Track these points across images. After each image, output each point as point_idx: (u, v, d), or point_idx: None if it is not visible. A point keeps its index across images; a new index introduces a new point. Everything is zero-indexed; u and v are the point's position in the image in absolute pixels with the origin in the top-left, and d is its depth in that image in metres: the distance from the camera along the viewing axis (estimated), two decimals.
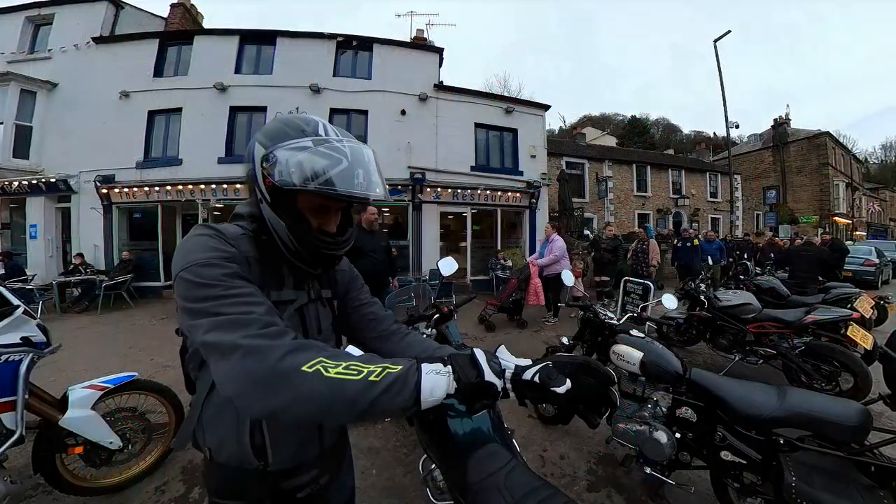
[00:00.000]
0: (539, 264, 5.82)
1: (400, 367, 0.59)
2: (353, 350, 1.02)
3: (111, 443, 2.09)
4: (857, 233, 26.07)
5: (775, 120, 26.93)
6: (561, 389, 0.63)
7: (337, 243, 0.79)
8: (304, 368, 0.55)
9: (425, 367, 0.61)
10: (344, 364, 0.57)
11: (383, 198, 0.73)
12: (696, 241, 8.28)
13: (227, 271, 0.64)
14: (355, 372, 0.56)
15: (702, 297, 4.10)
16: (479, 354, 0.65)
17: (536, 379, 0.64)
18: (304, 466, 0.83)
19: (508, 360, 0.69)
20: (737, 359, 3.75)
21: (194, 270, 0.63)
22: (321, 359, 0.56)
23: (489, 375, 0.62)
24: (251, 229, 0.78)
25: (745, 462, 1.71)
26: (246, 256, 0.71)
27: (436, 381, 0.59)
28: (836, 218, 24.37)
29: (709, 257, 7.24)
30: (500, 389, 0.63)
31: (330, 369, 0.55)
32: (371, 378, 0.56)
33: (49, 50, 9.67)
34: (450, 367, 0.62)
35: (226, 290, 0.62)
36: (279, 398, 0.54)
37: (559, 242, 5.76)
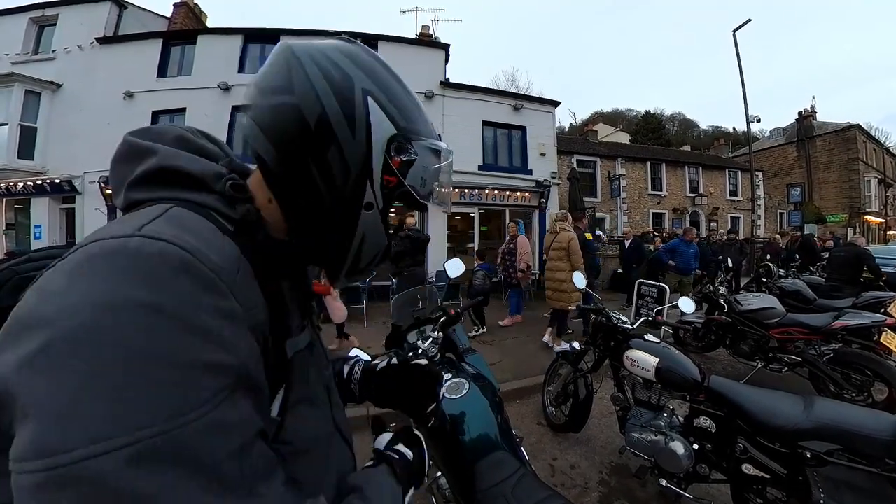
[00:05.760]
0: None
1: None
2: (360, 353, 0.95)
3: None
4: (892, 232, 24.49)
5: (800, 113, 25.52)
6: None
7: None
8: None
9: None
10: None
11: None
12: (588, 236, 5.83)
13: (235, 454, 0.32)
14: None
15: (721, 301, 3.93)
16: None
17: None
18: None
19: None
20: (759, 366, 3.62)
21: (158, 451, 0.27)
22: None
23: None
24: (255, 234, 0.46)
25: (768, 476, 1.63)
26: (257, 321, 0.40)
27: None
28: (868, 217, 22.94)
29: (728, 260, 6.12)
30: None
31: None
32: None
33: (53, 51, 9.72)
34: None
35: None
36: None
37: None
